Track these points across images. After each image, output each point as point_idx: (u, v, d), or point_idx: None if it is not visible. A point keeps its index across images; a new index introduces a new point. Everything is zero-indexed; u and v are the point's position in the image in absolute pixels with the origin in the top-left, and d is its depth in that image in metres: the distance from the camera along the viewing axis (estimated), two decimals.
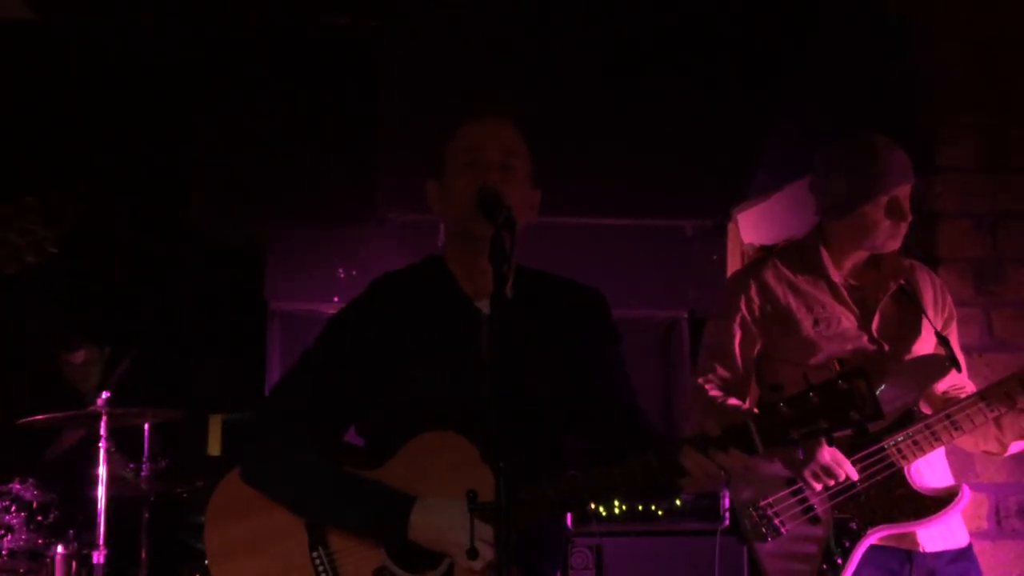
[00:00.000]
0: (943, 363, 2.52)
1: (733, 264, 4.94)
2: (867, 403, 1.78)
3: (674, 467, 1.85)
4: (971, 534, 3.04)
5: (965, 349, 3.13)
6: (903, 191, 2.54)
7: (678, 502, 3.94)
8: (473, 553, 1.77)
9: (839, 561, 2.42)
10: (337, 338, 2.07)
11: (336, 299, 4.89)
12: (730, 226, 5.00)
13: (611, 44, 4.47)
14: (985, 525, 3.13)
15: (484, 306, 2.03)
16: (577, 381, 2.06)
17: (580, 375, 2.07)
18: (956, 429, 2.46)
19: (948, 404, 2.51)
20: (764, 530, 2.46)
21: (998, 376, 2.58)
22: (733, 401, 2.57)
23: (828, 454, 2.39)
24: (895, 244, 2.58)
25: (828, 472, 2.40)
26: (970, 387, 2.64)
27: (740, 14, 4.34)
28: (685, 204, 5.04)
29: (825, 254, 2.61)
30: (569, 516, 3.82)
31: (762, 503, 2.48)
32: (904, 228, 2.56)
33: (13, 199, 2.11)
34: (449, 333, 2.03)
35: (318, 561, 1.94)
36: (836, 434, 1.83)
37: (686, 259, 5.19)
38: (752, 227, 4.82)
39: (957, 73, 3.27)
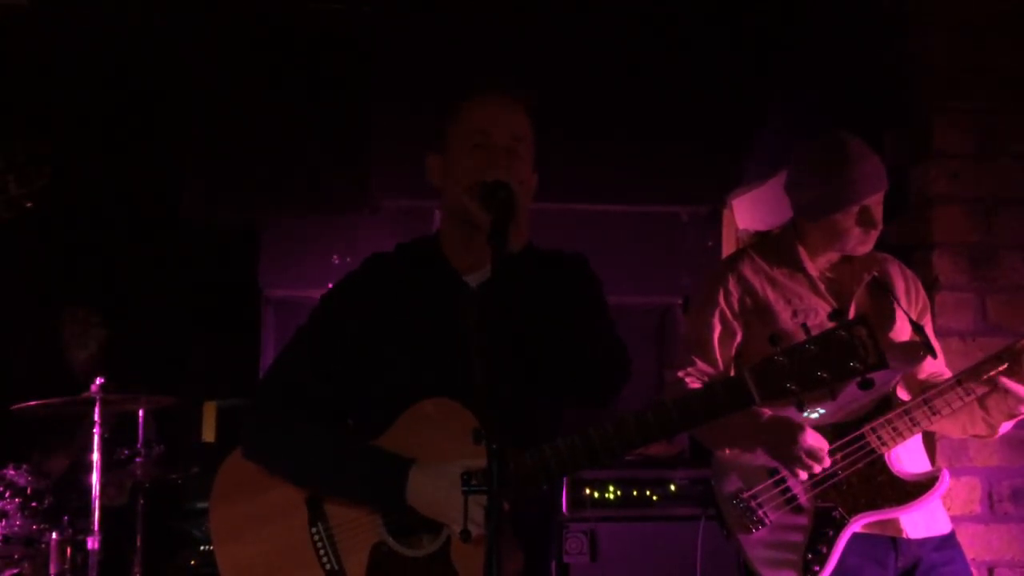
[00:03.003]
0: (919, 350, 2.52)
1: (728, 250, 4.93)
2: (869, 351, 1.72)
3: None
4: (964, 518, 3.08)
5: (959, 334, 3.15)
6: (874, 200, 2.54)
7: (672, 487, 3.95)
8: (466, 535, 1.76)
9: (824, 550, 2.43)
10: (329, 313, 2.07)
11: (330, 285, 4.87)
12: (725, 212, 4.99)
13: (605, 29, 4.46)
14: (978, 509, 3.14)
15: (472, 280, 2.05)
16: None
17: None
18: (934, 413, 2.46)
19: (927, 389, 2.51)
20: (748, 521, 2.47)
21: None
22: None
23: (810, 438, 2.40)
24: (865, 248, 2.60)
25: (812, 455, 2.39)
26: (948, 374, 2.65)
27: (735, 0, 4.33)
28: (680, 190, 5.03)
29: (802, 251, 2.63)
30: (564, 502, 3.84)
31: (745, 495, 2.49)
32: (875, 235, 2.57)
33: None
34: (436, 308, 2.02)
35: (317, 537, 1.94)
36: (839, 388, 1.76)
37: (681, 245, 5.19)
38: (747, 213, 4.81)
39: (952, 58, 3.26)
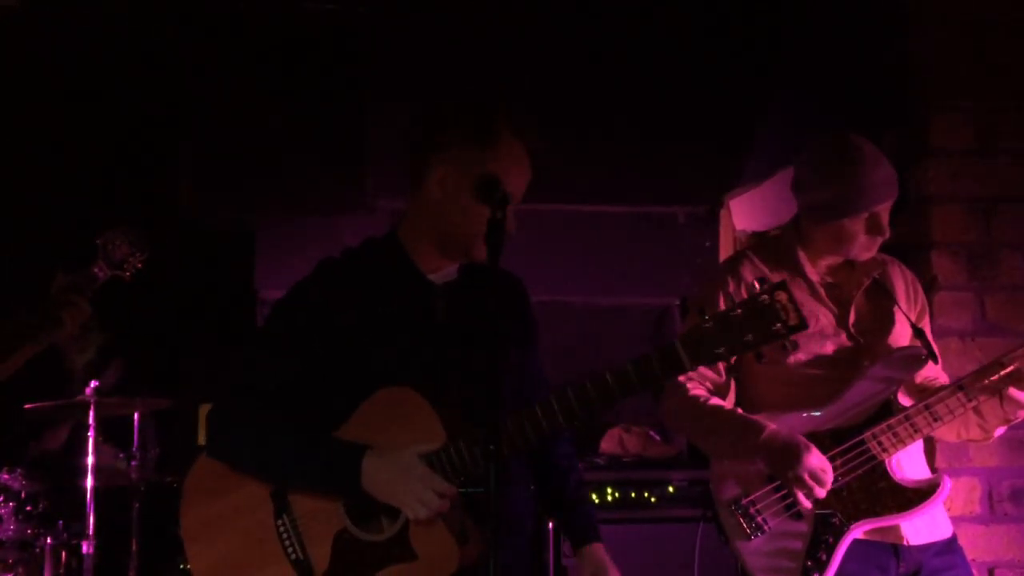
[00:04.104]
0: (920, 355, 2.50)
1: (725, 251, 4.92)
2: (791, 313, 1.82)
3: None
4: (964, 519, 3.06)
5: (958, 333, 3.14)
6: (884, 207, 2.52)
7: (671, 488, 3.93)
8: (463, 538, 1.83)
9: (823, 557, 2.40)
10: (289, 316, 2.07)
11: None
12: (722, 212, 4.98)
13: (603, 29, 4.45)
14: (978, 510, 3.12)
15: (436, 279, 2.11)
16: (516, 363, 2.15)
17: (517, 357, 2.16)
18: (936, 420, 2.44)
19: (926, 394, 2.49)
20: (747, 529, 2.45)
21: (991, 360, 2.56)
22: (715, 400, 2.55)
23: (815, 459, 2.37)
24: (869, 255, 2.57)
25: (815, 478, 2.36)
26: (943, 378, 2.63)
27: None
28: (677, 190, 5.02)
29: (802, 254, 2.59)
30: None
31: (744, 501, 2.46)
32: (880, 242, 2.55)
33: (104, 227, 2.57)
34: (402, 306, 2.06)
35: (283, 530, 1.98)
36: (764, 348, 1.85)
37: (678, 246, 5.17)
38: (745, 213, 4.80)
39: (950, 56, 3.25)
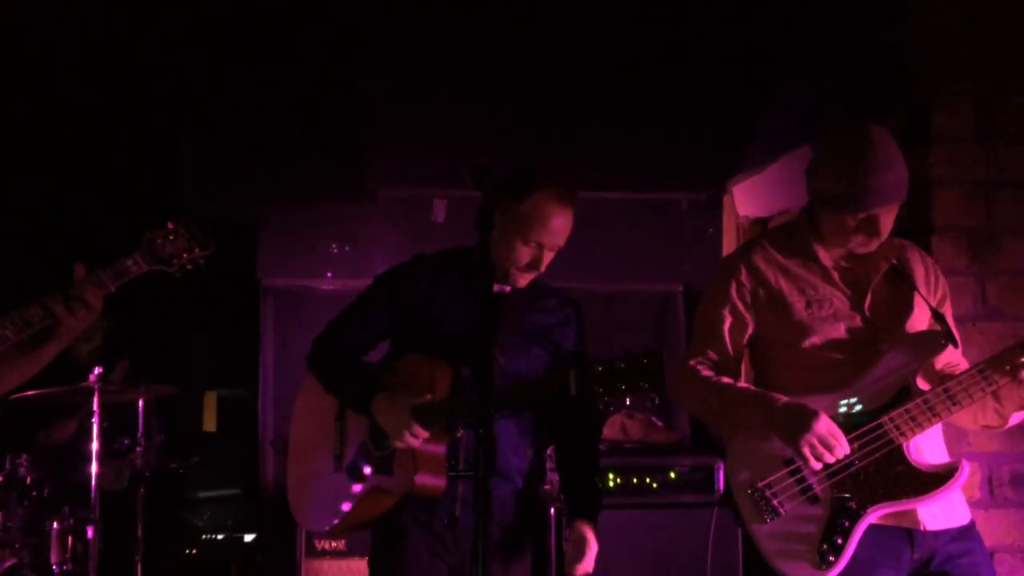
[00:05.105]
0: (939, 339, 2.48)
1: (729, 237, 4.91)
2: (656, 377, 2.27)
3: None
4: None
5: (959, 319, 3.11)
6: (887, 210, 2.50)
7: (673, 474, 3.95)
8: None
9: (839, 541, 2.40)
10: (377, 292, 2.77)
11: (329, 275, 4.90)
12: (725, 199, 4.97)
13: (603, 16, 4.44)
14: (978, 495, 3.12)
15: (497, 287, 2.64)
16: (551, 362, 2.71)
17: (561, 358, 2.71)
18: (954, 404, 2.43)
19: (945, 379, 2.48)
20: (763, 511, 2.45)
21: (991, 345, 2.55)
22: (726, 379, 2.56)
23: (824, 425, 2.37)
24: (867, 250, 2.56)
25: (824, 443, 2.37)
26: (964, 364, 2.61)
27: None
28: (680, 177, 5.01)
29: (815, 241, 2.59)
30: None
31: (760, 484, 2.46)
32: (876, 243, 2.53)
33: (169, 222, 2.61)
34: (462, 299, 2.66)
35: (337, 428, 2.77)
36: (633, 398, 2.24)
37: (681, 233, 5.18)
38: (748, 199, 4.79)
39: (951, 42, 3.24)
